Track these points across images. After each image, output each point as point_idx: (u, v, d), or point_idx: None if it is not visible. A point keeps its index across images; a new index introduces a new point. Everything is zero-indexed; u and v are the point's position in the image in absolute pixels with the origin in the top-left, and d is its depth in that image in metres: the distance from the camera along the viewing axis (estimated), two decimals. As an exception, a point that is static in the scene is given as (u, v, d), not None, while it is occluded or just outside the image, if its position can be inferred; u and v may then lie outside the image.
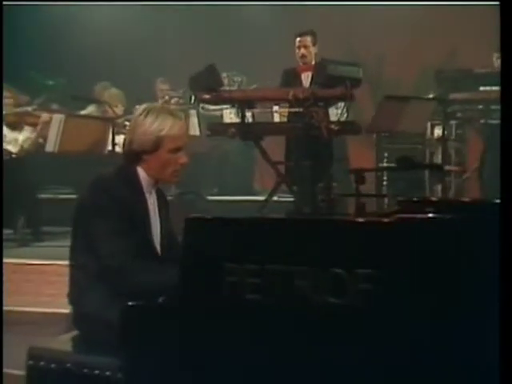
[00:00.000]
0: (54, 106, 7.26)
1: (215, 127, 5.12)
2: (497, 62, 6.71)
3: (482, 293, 1.81)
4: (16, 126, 6.17)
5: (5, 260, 5.52)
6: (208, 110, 6.82)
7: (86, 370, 2.58)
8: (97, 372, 2.55)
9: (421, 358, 1.83)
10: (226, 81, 7.50)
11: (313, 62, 5.59)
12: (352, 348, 1.87)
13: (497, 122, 5.89)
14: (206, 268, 2.02)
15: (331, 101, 4.92)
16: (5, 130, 6.14)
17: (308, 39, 5.65)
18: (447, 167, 4.87)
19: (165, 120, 2.69)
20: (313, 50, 5.65)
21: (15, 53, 7.98)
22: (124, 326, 2.20)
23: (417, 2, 7.82)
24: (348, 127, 4.96)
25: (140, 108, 2.82)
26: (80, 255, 2.68)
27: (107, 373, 2.53)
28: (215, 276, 1.98)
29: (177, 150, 2.70)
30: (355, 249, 1.90)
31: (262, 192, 7.06)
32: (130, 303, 2.17)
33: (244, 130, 4.97)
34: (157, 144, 2.67)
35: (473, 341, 1.80)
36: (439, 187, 5.84)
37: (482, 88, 6.20)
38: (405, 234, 1.89)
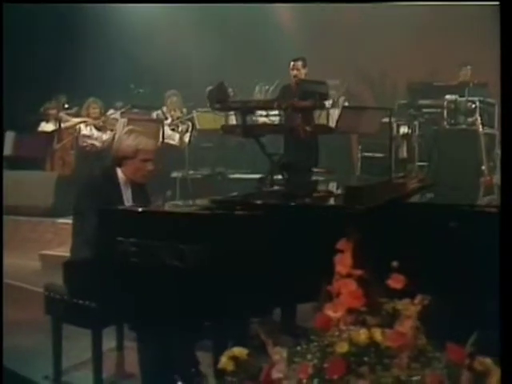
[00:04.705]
0: (135, 110, 7.37)
1: (225, 127, 5.31)
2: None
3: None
4: (100, 128, 6.69)
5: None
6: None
7: (75, 300, 3.01)
8: (81, 302, 2.98)
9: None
10: (257, 88, 7.70)
11: (302, 81, 5.68)
12: (187, 295, 2.21)
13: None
14: (110, 239, 2.36)
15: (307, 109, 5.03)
16: (94, 130, 6.70)
17: (299, 63, 5.72)
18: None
19: (142, 140, 3.05)
20: (303, 71, 5.72)
21: (117, 68, 8.14)
22: (72, 272, 2.61)
23: (415, 3, 7.58)
24: (319, 129, 5.09)
25: (126, 129, 3.21)
26: (75, 224, 3.06)
27: (86, 302, 2.95)
28: (112, 245, 2.33)
29: (146, 160, 3.03)
30: (192, 232, 2.24)
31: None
32: (73, 259, 2.56)
33: (245, 130, 5.15)
34: (134, 154, 3.00)
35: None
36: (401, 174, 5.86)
37: (447, 97, 6.12)
38: (220, 223, 2.26)
